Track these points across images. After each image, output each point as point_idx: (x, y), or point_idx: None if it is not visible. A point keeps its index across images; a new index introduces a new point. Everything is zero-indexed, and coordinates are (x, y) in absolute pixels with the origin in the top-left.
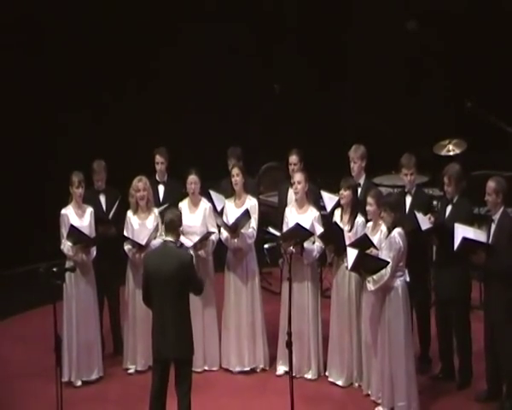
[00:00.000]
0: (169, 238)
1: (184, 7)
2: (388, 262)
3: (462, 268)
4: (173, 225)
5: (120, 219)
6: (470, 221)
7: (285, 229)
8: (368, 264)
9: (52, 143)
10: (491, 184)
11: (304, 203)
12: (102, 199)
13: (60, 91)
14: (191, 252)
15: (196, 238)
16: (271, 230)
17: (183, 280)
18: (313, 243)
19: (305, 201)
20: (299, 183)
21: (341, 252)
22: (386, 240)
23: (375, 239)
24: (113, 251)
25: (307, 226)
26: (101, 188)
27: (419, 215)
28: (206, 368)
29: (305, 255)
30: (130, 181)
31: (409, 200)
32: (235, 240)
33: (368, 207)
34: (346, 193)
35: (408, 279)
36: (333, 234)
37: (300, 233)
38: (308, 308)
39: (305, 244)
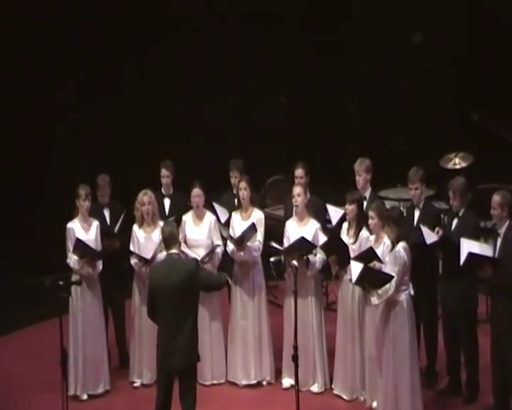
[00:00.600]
0: (173, 251)
1: (180, 15)
2: (393, 276)
3: (468, 282)
4: (174, 237)
5: (125, 233)
6: (476, 235)
7: (286, 242)
8: (372, 278)
9: (55, 156)
10: (496, 198)
11: (304, 216)
12: (107, 213)
13: (59, 98)
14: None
15: (202, 251)
16: (274, 244)
17: (192, 288)
18: (315, 255)
19: (305, 213)
20: (298, 195)
21: (345, 264)
22: (391, 254)
23: (378, 252)
24: (117, 265)
25: (309, 238)
26: (105, 202)
27: (424, 229)
28: (215, 382)
29: (309, 267)
30: (135, 194)
31: (417, 213)
32: (241, 253)
33: (370, 221)
34: (350, 207)
35: (412, 293)
36: (335, 245)
37: (304, 246)
38: (312, 322)
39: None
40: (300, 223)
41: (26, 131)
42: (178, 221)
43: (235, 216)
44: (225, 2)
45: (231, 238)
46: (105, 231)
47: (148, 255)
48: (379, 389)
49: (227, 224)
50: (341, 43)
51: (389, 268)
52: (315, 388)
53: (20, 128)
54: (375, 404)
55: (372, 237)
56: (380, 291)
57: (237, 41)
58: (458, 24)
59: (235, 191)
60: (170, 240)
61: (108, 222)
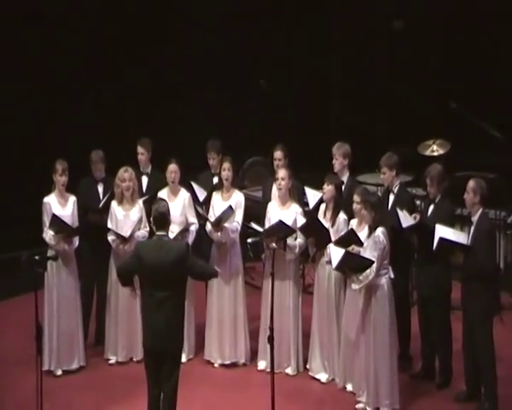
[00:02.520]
0: (161, 232)
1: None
2: (373, 261)
3: (441, 268)
4: (164, 218)
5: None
6: (452, 221)
7: (267, 224)
8: (353, 263)
9: (38, 131)
10: (470, 183)
11: (287, 200)
12: (100, 188)
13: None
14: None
15: (175, 228)
16: (254, 225)
17: (182, 271)
18: (295, 239)
19: (287, 197)
20: (282, 179)
21: (323, 245)
22: (370, 239)
23: (361, 236)
24: (104, 241)
25: (290, 223)
26: (99, 177)
27: (400, 213)
28: (184, 359)
29: (287, 251)
30: (116, 171)
31: (391, 198)
32: (219, 233)
33: (354, 205)
34: (328, 188)
35: (392, 276)
36: (314, 226)
37: (283, 230)
38: (289, 305)
39: (288, 241)
40: (282, 206)
41: (8, 102)
42: (153, 199)
43: (216, 196)
44: None
45: (207, 219)
46: (91, 207)
47: (126, 233)
48: (355, 372)
49: (205, 203)
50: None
51: (368, 253)
52: (289, 370)
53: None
54: (349, 387)
55: (354, 221)
56: (360, 277)
57: (220, 26)
58: (437, 11)
59: (212, 171)
60: (159, 221)
61: (101, 197)
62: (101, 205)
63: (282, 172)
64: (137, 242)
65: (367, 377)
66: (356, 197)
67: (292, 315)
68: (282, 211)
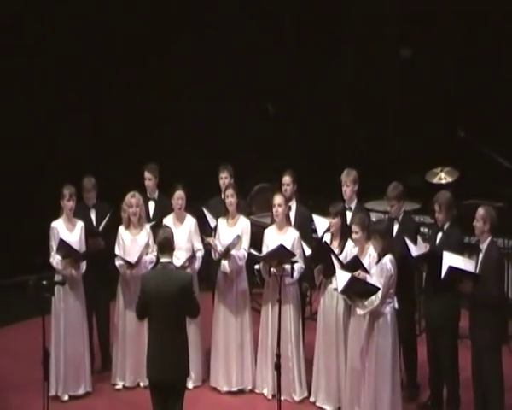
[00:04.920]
0: (166, 259)
1: (179, 24)
2: (379, 288)
3: (450, 296)
4: (169, 244)
5: (111, 233)
6: (460, 250)
7: (264, 249)
8: (359, 288)
9: (42, 156)
10: (480, 211)
11: (284, 225)
12: (93, 215)
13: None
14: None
15: (182, 254)
16: (253, 251)
17: (183, 303)
18: (293, 263)
19: (284, 222)
20: (279, 206)
21: (330, 273)
22: (377, 266)
23: (364, 263)
24: (101, 265)
25: (288, 247)
26: (90, 204)
27: (409, 242)
28: (190, 386)
29: (286, 276)
30: (123, 196)
31: (396, 226)
32: (226, 262)
33: (353, 235)
34: (334, 221)
35: (397, 306)
36: (322, 254)
37: (284, 254)
38: (290, 330)
39: (287, 266)
40: (280, 231)
41: (16, 133)
42: (160, 224)
43: (222, 223)
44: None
45: (215, 249)
46: (90, 230)
47: (133, 259)
48: (362, 400)
49: (215, 230)
50: (334, 55)
51: (375, 280)
52: (294, 396)
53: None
54: None
55: (355, 250)
56: (366, 302)
57: (227, 49)
58: (448, 39)
59: (223, 196)
60: (165, 246)
61: (94, 223)
62: (101, 228)
63: (278, 199)
64: (142, 274)
65: (371, 406)
66: (354, 227)
67: (294, 340)
68: (279, 236)
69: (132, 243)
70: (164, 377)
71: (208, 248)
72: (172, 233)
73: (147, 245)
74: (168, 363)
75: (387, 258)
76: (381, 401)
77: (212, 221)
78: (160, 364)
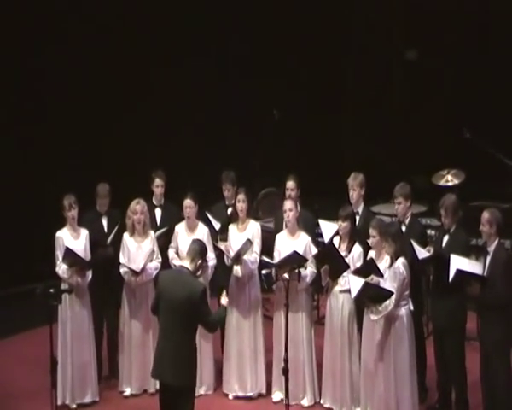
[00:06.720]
0: (186, 264)
1: (182, 32)
2: (392, 293)
3: (457, 299)
4: (196, 254)
5: (120, 244)
6: (467, 252)
7: (276, 255)
8: (372, 293)
9: (50, 165)
10: (485, 215)
11: (295, 229)
12: (104, 222)
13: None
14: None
15: None
16: (265, 258)
17: (190, 311)
18: (305, 268)
19: (296, 227)
20: (290, 210)
21: (337, 274)
22: (390, 270)
23: (380, 268)
24: (112, 274)
25: (301, 252)
26: (103, 211)
27: (415, 245)
28: (202, 392)
29: (299, 281)
30: (128, 203)
31: (403, 229)
32: (238, 267)
33: (371, 239)
34: (344, 224)
35: (412, 308)
36: (330, 254)
37: (297, 259)
38: (303, 336)
39: (296, 270)
40: (292, 236)
41: (26, 142)
42: (171, 231)
43: (232, 228)
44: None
45: (227, 254)
46: (98, 241)
47: (138, 266)
48: (375, 402)
49: (221, 232)
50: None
51: (388, 285)
52: (305, 402)
53: (12, 134)
54: None
55: (373, 253)
56: (380, 307)
57: (231, 56)
58: (452, 40)
59: (227, 203)
60: (192, 253)
61: (106, 230)
62: (109, 241)
63: (288, 204)
64: (160, 272)
65: (387, 408)
66: (372, 231)
67: (306, 346)
68: (291, 241)
69: (137, 250)
70: (160, 377)
71: (217, 253)
72: (205, 246)
73: (151, 252)
74: (167, 364)
75: (400, 261)
76: (402, 404)
77: (216, 224)
78: (159, 362)
